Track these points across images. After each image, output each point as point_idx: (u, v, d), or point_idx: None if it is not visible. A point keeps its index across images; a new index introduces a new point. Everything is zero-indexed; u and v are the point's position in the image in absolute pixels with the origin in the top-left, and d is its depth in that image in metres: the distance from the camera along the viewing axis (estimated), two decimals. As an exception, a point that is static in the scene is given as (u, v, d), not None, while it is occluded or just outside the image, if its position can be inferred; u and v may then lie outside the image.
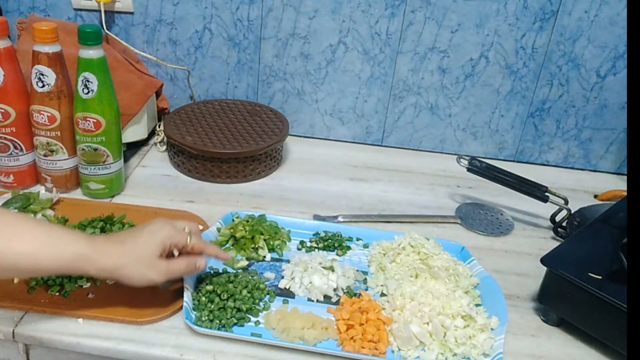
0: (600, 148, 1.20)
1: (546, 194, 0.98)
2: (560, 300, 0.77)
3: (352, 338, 0.73)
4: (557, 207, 0.98)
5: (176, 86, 1.25)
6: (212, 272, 0.82)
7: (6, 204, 0.88)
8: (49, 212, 0.90)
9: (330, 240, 0.91)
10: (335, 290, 0.81)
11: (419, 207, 1.04)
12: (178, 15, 1.17)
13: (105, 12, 1.15)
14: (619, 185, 1.17)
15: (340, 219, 0.98)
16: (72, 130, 0.93)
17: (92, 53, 0.87)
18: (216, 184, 1.06)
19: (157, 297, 0.77)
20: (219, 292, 0.76)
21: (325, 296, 0.81)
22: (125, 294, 0.77)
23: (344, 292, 0.81)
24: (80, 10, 1.19)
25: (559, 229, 0.98)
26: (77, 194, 0.98)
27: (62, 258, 0.66)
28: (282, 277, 0.83)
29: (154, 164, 1.11)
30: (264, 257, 0.87)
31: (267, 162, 1.09)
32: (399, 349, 0.73)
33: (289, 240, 0.91)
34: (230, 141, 1.06)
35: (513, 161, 1.23)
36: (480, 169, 0.99)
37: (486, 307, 0.80)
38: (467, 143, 1.23)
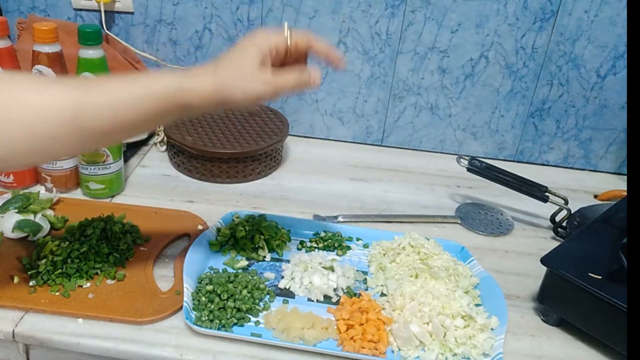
0: (600, 148, 1.20)
1: (546, 194, 0.98)
2: (560, 300, 0.77)
3: (352, 338, 0.73)
4: (557, 207, 0.98)
5: (176, 86, 1.25)
6: (212, 272, 0.82)
7: (6, 204, 0.88)
8: (49, 212, 0.90)
9: (330, 240, 0.91)
10: (335, 290, 0.81)
11: (419, 207, 1.04)
12: (178, 15, 1.17)
13: (105, 12, 1.15)
14: (619, 185, 1.17)
15: (340, 219, 0.98)
16: (72, 130, 0.93)
17: (92, 53, 0.87)
18: (216, 184, 1.06)
19: (157, 297, 0.77)
20: (219, 292, 0.76)
21: (325, 296, 0.81)
22: (125, 294, 0.77)
23: (344, 292, 0.81)
24: (80, 10, 1.19)
25: (559, 229, 0.98)
26: (77, 194, 0.98)
27: (157, 96, 0.60)
28: (282, 277, 0.83)
29: (154, 164, 1.11)
30: (264, 257, 0.87)
31: (267, 162, 1.09)
32: (399, 349, 0.73)
33: (289, 240, 0.91)
34: (230, 141, 1.06)
35: (513, 161, 1.23)
36: (480, 169, 0.99)
37: (486, 307, 0.80)
38: (467, 143, 1.23)
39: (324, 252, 0.90)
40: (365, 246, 0.92)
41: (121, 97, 0.60)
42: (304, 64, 0.67)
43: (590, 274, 0.75)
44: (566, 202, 0.97)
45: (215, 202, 1.00)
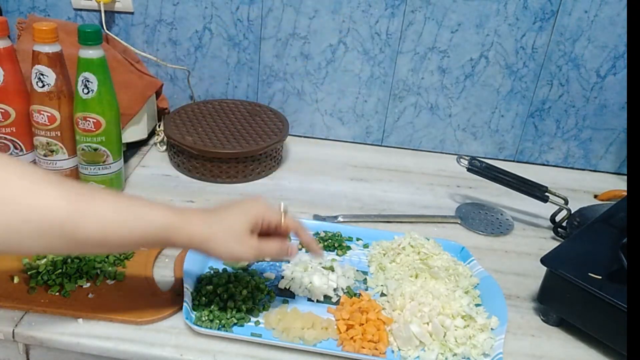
0: (600, 148, 1.20)
1: (546, 194, 0.98)
2: (560, 300, 0.77)
3: (352, 338, 0.73)
4: (557, 207, 0.98)
5: (176, 86, 1.25)
6: (212, 272, 0.82)
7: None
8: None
9: (330, 240, 0.91)
10: (335, 290, 0.81)
11: (419, 207, 1.04)
12: (178, 15, 1.17)
13: (105, 12, 1.15)
14: (619, 185, 1.17)
15: (340, 219, 0.98)
16: (72, 130, 0.93)
17: (92, 53, 0.87)
18: (216, 184, 1.06)
19: (157, 297, 0.77)
20: (219, 292, 0.76)
21: (325, 296, 0.81)
22: (125, 294, 0.77)
23: (344, 292, 0.81)
24: (80, 10, 1.19)
25: (559, 229, 0.98)
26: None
27: (146, 228, 0.62)
28: (282, 277, 0.83)
29: (154, 164, 1.11)
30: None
31: (267, 162, 1.09)
32: (399, 349, 0.73)
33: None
34: (230, 141, 1.06)
35: (513, 161, 1.23)
36: (480, 169, 0.99)
37: (486, 307, 0.80)
38: (467, 143, 1.23)
39: (324, 252, 0.89)
40: (365, 246, 0.92)
41: (113, 221, 0.61)
42: (286, 237, 0.73)
43: (590, 274, 0.75)
44: (566, 202, 0.97)
45: (215, 202, 0.99)
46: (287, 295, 0.81)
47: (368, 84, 1.19)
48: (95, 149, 0.93)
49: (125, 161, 1.05)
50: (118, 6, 1.16)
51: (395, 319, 0.76)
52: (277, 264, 0.86)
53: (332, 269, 0.84)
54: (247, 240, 0.67)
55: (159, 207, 0.65)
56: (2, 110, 0.91)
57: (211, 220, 0.66)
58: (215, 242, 0.65)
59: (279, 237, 0.71)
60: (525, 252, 0.95)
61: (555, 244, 0.93)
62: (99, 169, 0.95)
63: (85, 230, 0.60)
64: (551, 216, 1.00)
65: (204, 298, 0.76)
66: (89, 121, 0.90)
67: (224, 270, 0.83)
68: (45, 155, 0.95)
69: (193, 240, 0.65)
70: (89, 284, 0.78)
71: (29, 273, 0.78)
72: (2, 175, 0.58)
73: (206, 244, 0.65)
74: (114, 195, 0.65)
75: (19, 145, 0.95)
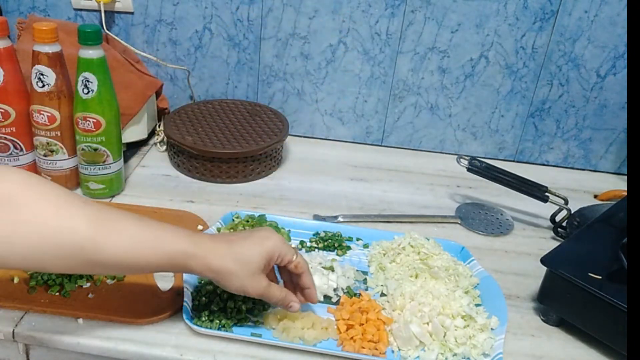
0: (600, 148, 1.20)
1: (546, 194, 0.98)
2: (560, 300, 0.77)
3: (352, 338, 0.73)
4: (557, 207, 0.98)
5: (176, 86, 1.25)
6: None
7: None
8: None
9: (330, 240, 0.91)
10: (335, 290, 0.81)
11: (419, 207, 1.04)
12: (178, 15, 1.17)
13: (105, 12, 1.15)
14: (619, 185, 1.17)
15: (340, 219, 0.98)
16: (72, 130, 0.93)
17: (92, 53, 0.87)
18: (216, 184, 1.06)
19: (157, 297, 0.77)
20: (219, 292, 0.76)
21: (325, 296, 0.81)
22: (125, 294, 0.77)
23: (344, 292, 0.81)
24: (80, 10, 1.19)
25: (559, 229, 0.98)
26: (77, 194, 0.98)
27: (165, 254, 0.63)
28: (282, 277, 0.83)
29: (154, 164, 1.11)
30: (264, 257, 0.87)
31: (267, 162, 1.09)
32: (399, 349, 0.73)
33: (289, 240, 0.91)
34: (230, 141, 1.06)
35: (513, 161, 1.23)
36: (480, 169, 0.99)
37: (486, 307, 0.80)
38: (467, 143, 1.23)
39: (324, 252, 0.90)
40: (365, 246, 0.92)
41: (134, 247, 0.62)
42: (291, 284, 0.75)
43: (590, 274, 0.75)
44: (566, 202, 0.97)
45: (215, 202, 1.00)
46: (287, 295, 0.81)
47: (368, 84, 1.19)
48: (95, 149, 0.93)
49: (125, 161, 1.05)
50: (118, 6, 1.16)
51: (395, 319, 0.76)
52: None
53: (332, 269, 0.84)
54: (258, 279, 0.68)
55: (179, 234, 0.66)
56: (2, 110, 0.91)
57: (231, 253, 0.66)
58: (230, 276, 0.66)
59: (288, 280, 0.75)
60: (525, 252, 0.95)
61: (555, 244, 0.93)
62: (99, 169, 0.95)
63: (104, 253, 0.60)
64: (551, 216, 1.00)
65: (204, 298, 0.76)
66: (89, 121, 0.90)
67: (224, 270, 0.83)
68: (45, 155, 0.95)
69: (211, 270, 0.66)
70: (89, 284, 0.78)
71: (29, 273, 0.78)
72: (29, 196, 0.58)
73: (222, 276, 0.66)
74: (136, 219, 0.65)
75: (19, 145, 0.95)
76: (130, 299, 0.76)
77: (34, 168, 0.98)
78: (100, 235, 0.60)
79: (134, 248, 0.62)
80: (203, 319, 0.73)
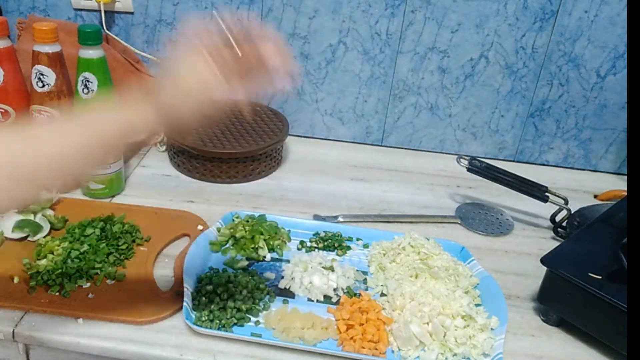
0: (600, 148, 1.20)
1: (546, 194, 0.98)
2: (560, 300, 0.77)
3: (352, 338, 0.73)
4: (557, 207, 0.98)
5: (176, 86, 1.25)
6: (212, 272, 0.82)
7: (6, 204, 0.88)
8: (49, 212, 0.90)
9: (330, 240, 0.91)
10: (335, 290, 0.81)
11: (419, 207, 1.04)
12: (178, 15, 1.17)
13: (105, 12, 1.15)
14: (619, 185, 1.17)
15: (340, 219, 0.98)
16: (72, 130, 0.93)
17: (92, 53, 0.87)
18: (216, 184, 1.06)
19: (157, 297, 0.77)
20: (219, 292, 0.76)
21: (325, 296, 0.81)
22: (125, 294, 0.77)
23: (344, 292, 0.81)
24: (80, 10, 1.19)
25: (559, 229, 0.98)
26: (77, 194, 0.98)
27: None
28: (282, 277, 0.83)
29: (154, 164, 1.11)
30: (264, 257, 0.87)
31: (267, 162, 1.09)
32: (399, 349, 0.73)
33: (289, 240, 0.91)
34: (230, 141, 1.06)
35: (513, 161, 1.23)
36: (480, 169, 0.99)
37: (486, 307, 0.79)
38: (467, 143, 1.22)
39: (324, 252, 0.90)
40: (365, 246, 0.92)
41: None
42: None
43: (590, 274, 0.75)
44: (566, 202, 0.97)
45: (215, 202, 1.00)
46: (287, 295, 0.81)
47: (368, 84, 1.19)
48: (95, 149, 0.93)
49: (125, 161, 1.05)
50: (118, 6, 1.16)
51: (395, 319, 0.76)
52: (277, 264, 0.86)
53: (332, 269, 0.84)
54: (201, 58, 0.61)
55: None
56: (2, 110, 0.91)
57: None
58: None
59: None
60: (525, 252, 0.95)
61: (555, 244, 0.93)
62: (99, 169, 0.95)
63: None
64: (551, 216, 1.00)
65: (204, 298, 0.76)
66: (89, 121, 0.90)
67: (224, 270, 0.83)
68: (45, 155, 0.95)
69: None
70: (89, 284, 0.78)
71: (29, 273, 0.78)
72: None
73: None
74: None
75: (19, 145, 0.95)
76: (130, 299, 0.76)
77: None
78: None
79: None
80: (203, 319, 0.73)
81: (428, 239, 0.90)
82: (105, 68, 0.89)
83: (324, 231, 0.93)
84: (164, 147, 1.14)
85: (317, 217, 0.98)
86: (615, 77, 1.12)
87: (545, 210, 1.00)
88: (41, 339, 0.71)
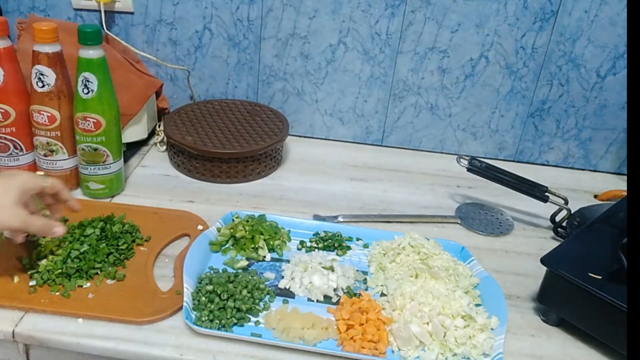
0: (600, 148, 1.20)
1: (546, 194, 0.98)
2: (560, 300, 0.77)
3: (352, 338, 0.73)
4: (557, 207, 0.98)
5: (176, 86, 1.25)
6: (212, 272, 0.82)
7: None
8: (49, 212, 0.89)
9: (330, 240, 0.91)
10: (335, 290, 0.81)
11: (419, 207, 1.04)
12: (178, 15, 1.17)
13: (105, 12, 1.15)
14: (619, 185, 1.17)
15: (340, 219, 0.98)
16: (72, 130, 0.93)
17: (92, 53, 0.87)
18: (216, 184, 1.06)
19: (157, 297, 0.77)
20: (219, 292, 0.76)
21: (325, 296, 0.81)
22: (125, 294, 0.77)
23: (344, 292, 0.81)
24: (80, 10, 1.19)
25: (559, 229, 0.98)
26: (77, 194, 0.98)
27: None
28: (282, 277, 0.83)
29: (154, 164, 1.11)
30: (264, 257, 0.87)
31: (267, 162, 1.09)
32: (399, 349, 0.73)
33: (289, 240, 0.91)
34: (230, 141, 1.06)
35: (513, 161, 1.23)
36: (480, 169, 0.99)
37: (486, 307, 0.80)
38: (467, 143, 1.23)
39: (324, 252, 0.90)
40: (365, 246, 0.92)
41: None
42: (57, 211, 0.81)
43: (590, 274, 0.75)
44: (566, 202, 0.97)
45: (215, 202, 1.00)
46: (287, 295, 0.81)
47: (368, 84, 1.19)
48: (95, 149, 0.93)
49: (125, 161, 1.05)
50: (118, 6, 1.16)
51: (395, 319, 0.76)
52: (277, 264, 0.86)
53: (332, 269, 0.84)
54: (16, 211, 0.72)
55: None
56: (2, 110, 0.91)
57: None
58: None
59: (56, 208, 0.80)
60: (525, 252, 0.95)
61: (555, 244, 0.93)
62: (99, 169, 0.95)
63: None
64: (551, 216, 1.00)
65: (204, 298, 0.76)
66: (89, 121, 0.90)
67: (224, 270, 0.83)
68: (45, 155, 0.95)
69: None
70: (89, 284, 0.78)
71: (29, 273, 0.78)
72: None
73: None
74: None
75: (19, 145, 0.95)
76: (130, 299, 0.76)
77: (34, 168, 0.98)
78: None
79: None
80: (203, 319, 0.73)
81: (428, 239, 0.90)
82: (105, 68, 0.89)
83: (324, 231, 0.93)
84: (164, 147, 1.14)
85: (317, 217, 0.98)
86: (615, 77, 1.12)
87: (545, 210, 1.00)
88: (41, 339, 0.71)
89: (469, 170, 0.99)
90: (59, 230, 0.77)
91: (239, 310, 0.75)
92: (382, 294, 0.82)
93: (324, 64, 1.18)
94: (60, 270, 0.78)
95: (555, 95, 1.16)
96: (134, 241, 0.86)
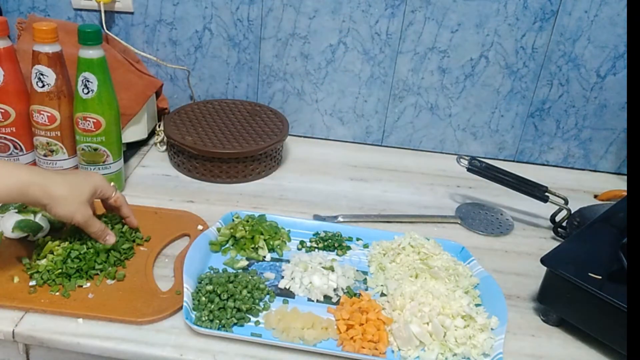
0: (600, 148, 1.20)
1: (546, 194, 0.98)
2: (560, 300, 0.77)
3: (352, 338, 0.73)
4: (557, 207, 0.98)
5: (176, 86, 1.25)
6: (212, 272, 0.82)
7: (6, 204, 0.88)
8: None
9: (330, 240, 0.91)
10: (335, 290, 0.81)
11: (419, 207, 1.04)
12: (178, 15, 1.17)
13: (105, 12, 1.15)
14: (619, 185, 1.17)
15: (340, 219, 0.98)
16: (72, 130, 0.93)
17: (92, 53, 0.87)
18: (216, 184, 1.06)
19: (157, 297, 0.77)
20: (219, 292, 0.76)
21: (325, 296, 0.81)
22: (125, 294, 0.77)
23: (344, 292, 0.81)
24: (80, 10, 1.19)
25: (559, 229, 0.98)
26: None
27: (8, 185, 0.71)
28: (282, 277, 0.83)
29: (154, 164, 1.11)
30: (264, 257, 0.87)
31: (267, 162, 1.09)
32: (399, 349, 0.73)
33: (289, 240, 0.91)
34: (230, 141, 1.06)
35: (513, 161, 1.23)
36: (480, 169, 0.99)
37: (486, 307, 0.80)
38: (467, 143, 1.23)
39: (324, 252, 0.90)
40: (365, 246, 0.92)
41: None
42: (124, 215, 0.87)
43: (590, 274, 0.75)
44: (566, 202, 0.97)
45: (215, 202, 1.00)
46: (287, 295, 0.81)
47: (368, 84, 1.19)
48: (95, 149, 0.93)
49: (125, 161, 1.05)
50: (118, 6, 1.16)
51: (395, 319, 0.76)
52: (277, 264, 0.86)
53: (332, 269, 0.84)
54: (86, 207, 0.78)
55: (19, 167, 0.78)
56: (2, 110, 0.91)
57: (66, 182, 0.76)
58: (65, 201, 0.75)
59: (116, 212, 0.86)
60: (525, 252, 0.95)
61: (555, 244, 0.93)
62: (99, 169, 0.95)
63: None
64: (551, 216, 1.00)
65: (204, 298, 0.76)
66: (89, 121, 0.90)
67: (224, 270, 0.83)
68: (45, 155, 0.95)
69: (49, 196, 0.74)
70: (89, 284, 0.78)
71: (29, 273, 0.78)
72: None
73: (56, 202, 0.74)
74: None
75: (19, 145, 0.95)
76: (130, 299, 0.76)
77: (34, 168, 0.98)
78: None
79: None
80: (203, 319, 0.73)
81: (428, 239, 0.90)
82: (105, 68, 0.89)
83: (324, 231, 0.93)
84: (164, 147, 1.14)
85: (317, 217, 0.98)
86: (615, 77, 1.12)
87: (545, 210, 1.00)
88: (41, 339, 0.71)
89: (469, 170, 0.99)
90: (111, 239, 0.82)
91: (239, 310, 0.75)
92: (382, 294, 0.82)
93: (324, 64, 1.18)
94: (60, 270, 0.78)
95: (555, 95, 1.16)
96: (134, 241, 0.86)
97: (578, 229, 0.94)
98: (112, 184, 0.85)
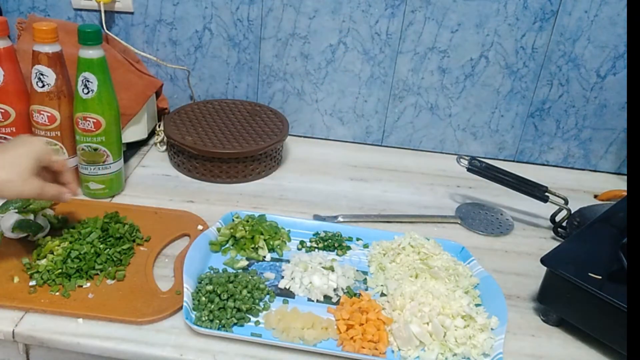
0: (600, 148, 1.20)
1: (546, 194, 0.98)
2: (560, 300, 0.77)
3: (352, 338, 0.73)
4: (557, 207, 0.98)
5: (176, 86, 1.25)
6: (212, 272, 0.82)
7: (6, 204, 0.88)
8: (49, 212, 0.90)
9: (330, 240, 0.91)
10: (335, 290, 0.81)
11: (419, 207, 1.04)
12: (178, 15, 1.17)
13: (105, 12, 1.15)
14: (619, 185, 1.17)
15: (340, 219, 0.98)
16: (72, 130, 0.93)
17: (92, 53, 0.87)
18: (216, 184, 1.06)
19: (157, 297, 0.77)
20: (219, 292, 0.76)
21: (325, 296, 0.81)
22: (125, 294, 0.77)
23: (344, 292, 0.81)
24: (80, 10, 1.19)
25: (559, 229, 0.98)
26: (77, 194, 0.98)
27: None
28: (282, 277, 0.83)
29: (154, 164, 1.11)
30: (264, 257, 0.87)
31: (267, 162, 1.09)
32: (399, 349, 0.73)
33: (289, 240, 0.91)
34: (230, 141, 1.06)
35: (513, 161, 1.23)
36: (480, 169, 0.99)
37: (486, 307, 0.80)
38: (467, 143, 1.23)
39: (324, 252, 0.90)
40: (365, 246, 0.92)
41: None
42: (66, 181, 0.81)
43: (590, 274, 0.75)
44: (566, 202, 0.97)
45: (215, 202, 1.00)
46: (287, 295, 0.81)
47: (368, 84, 1.19)
48: (95, 149, 0.93)
49: (125, 161, 1.05)
50: (118, 6, 1.16)
51: (395, 319, 0.76)
52: (277, 264, 0.86)
53: (332, 269, 0.84)
54: (31, 181, 0.74)
55: None
56: (2, 110, 0.91)
57: (9, 164, 0.73)
58: (8, 184, 0.72)
59: (59, 178, 0.80)
60: (525, 252, 0.95)
61: (555, 244, 0.93)
62: (99, 169, 0.95)
63: None
64: (551, 216, 1.00)
65: (204, 298, 0.76)
66: (89, 121, 0.90)
67: (224, 270, 0.83)
68: (45, 155, 0.95)
69: None
70: (89, 284, 0.78)
71: (29, 273, 0.78)
72: None
73: (0, 187, 0.71)
74: None
75: (19, 145, 0.95)
76: (130, 299, 0.76)
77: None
78: None
79: None
80: (203, 319, 0.73)
81: (428, 239, 0.90)
82: (105, 68, 0.89)
83: (324, 231, 0.93)
84: (164, 147, 1.14)
85: (317, 217, 0.98)
86: (615, 77, 1.12)
87: (545, 210, 1.00)
88: (41, 339, 0.71)
89: (469, 170, 0.99)
90: (67, 195, 0.79)
91: (239, 310, 0.75)
92: (382, 294, 0.82)
93: (324, 64, 1.18)
94: (60, 270, 0.78)
95: (555, 95, 1.16)
96: (134, 241, 0.86)
97: (578, 229, 0.94)
98: (53, 147, 0.82)
